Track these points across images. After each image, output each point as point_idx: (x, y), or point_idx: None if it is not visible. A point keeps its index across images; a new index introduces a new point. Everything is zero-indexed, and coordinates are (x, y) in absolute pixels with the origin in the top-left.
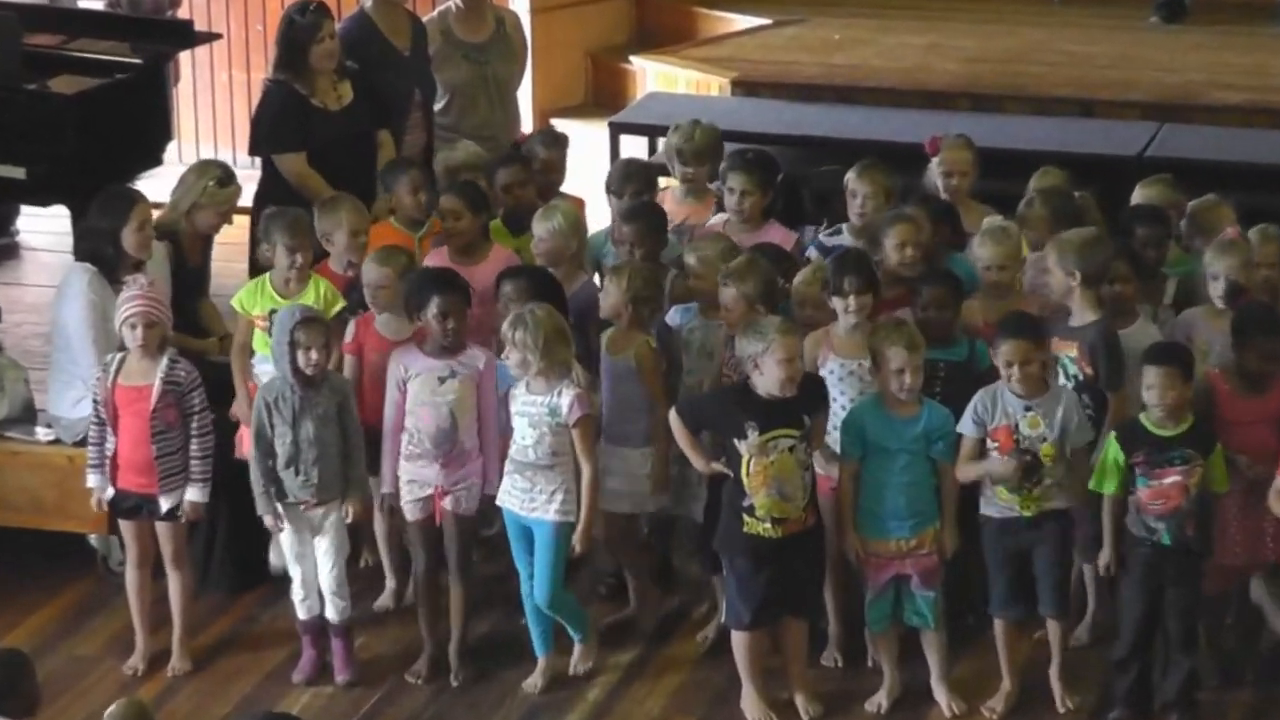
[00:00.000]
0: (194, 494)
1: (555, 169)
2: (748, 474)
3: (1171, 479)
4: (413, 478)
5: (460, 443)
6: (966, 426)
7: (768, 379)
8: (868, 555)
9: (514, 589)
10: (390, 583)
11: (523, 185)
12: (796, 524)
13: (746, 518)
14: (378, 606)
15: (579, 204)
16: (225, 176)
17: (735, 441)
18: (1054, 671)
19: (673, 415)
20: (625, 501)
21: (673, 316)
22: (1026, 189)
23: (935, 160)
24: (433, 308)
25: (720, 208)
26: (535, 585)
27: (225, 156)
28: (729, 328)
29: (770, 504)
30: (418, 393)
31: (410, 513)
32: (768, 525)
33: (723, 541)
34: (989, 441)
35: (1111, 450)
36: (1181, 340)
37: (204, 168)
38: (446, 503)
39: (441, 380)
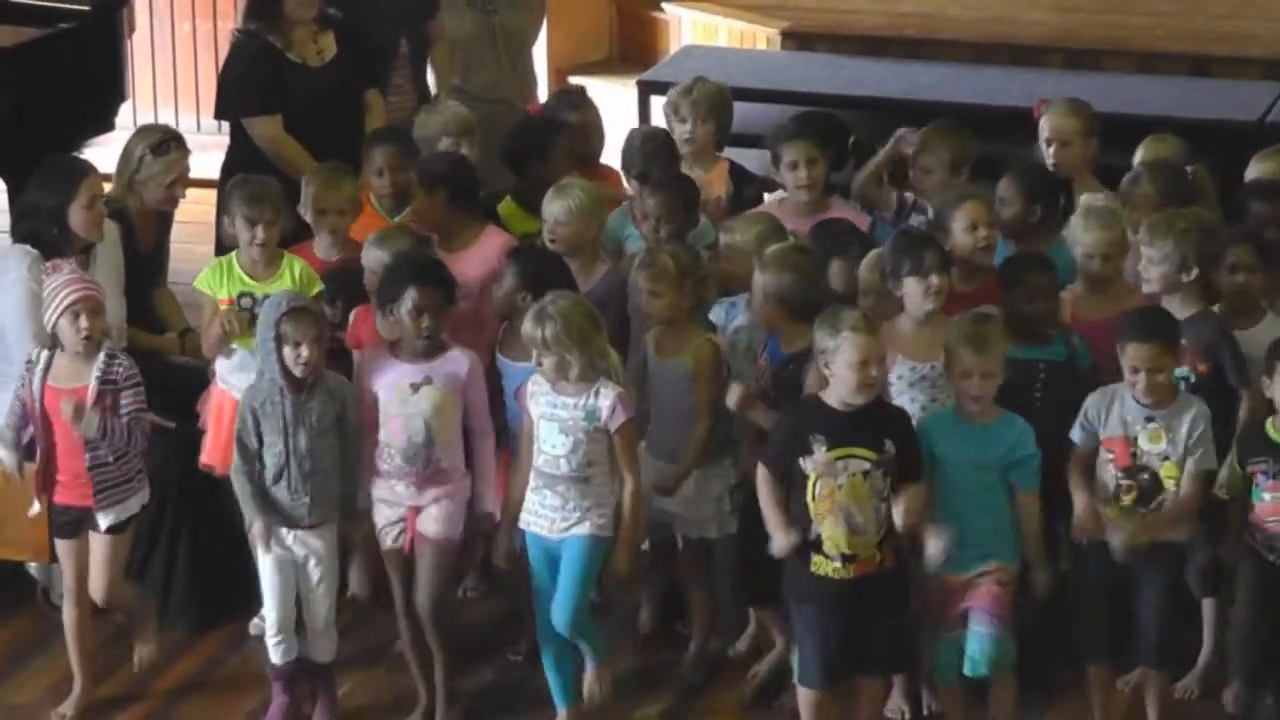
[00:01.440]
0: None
1: (594, 135)
2: (812, 498)
3: None
4: (385, 496)
5: (437, 460)
6: (1076, 434)
7: (838, 384)
8: (935, 590)
9: (522, 630)
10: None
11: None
12: (869, 564)
13: (814, 556)
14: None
15: (615, 177)
16: (163, 142)
17: (800, 460)
18: None
19: (761, 470)
20: (691, 526)
21: (716, 313)
22: (1132, 161)
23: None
24: (407, 302)
25: (734, 176)
26: (555, 606)
27: (188, 120)
28: (760, 325)
29: (837, 536)
30: (387, 402)
31: (383, 539)
32: (837, 564)
33: (790, 586)
34: (1103, 451)
35: (1235, 455)
36: None
37: (141, 133)
38: (420, 523)
39: (414, 388)
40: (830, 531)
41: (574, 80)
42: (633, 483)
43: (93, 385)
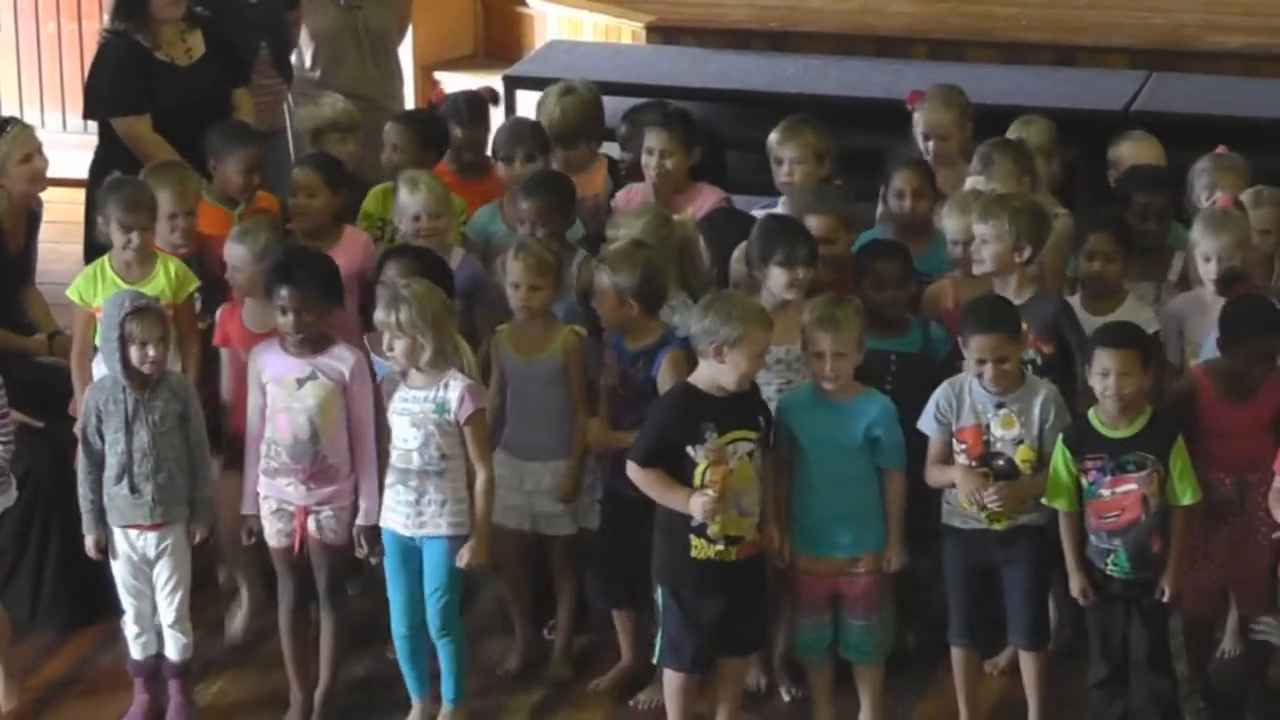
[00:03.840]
0: None
1: (477, 147)
2: (700, 485)
3: (1126, 488)
4: (271, 494)
5: (324, 457)
6: (929, 425)
7: (730, 370)
8: (799, 573)
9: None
10: (244, 605)
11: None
12: (751, 545)
13: (695, 540)
14: (230, 637)
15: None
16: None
17: (688, 448)
18: (1033, 715)
19: (632, 468)
20: (553, 522)
21: None
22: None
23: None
24: (278, 299)
25: (614, 172)
26: (429, 610)
27: (54, 120)
28: (606, 325)
29: (726, 520)
30: (275, 398)
31: (273, 538)
32: (721, 547)
33: (664, 571)
34: (955, 443)
35: (1060, 457)
36: (1173, 333)
37: None
38: (310, 526)
39: (300, 383)
40: (719, 516)
41: (439, 75)
42: (485, 475)
43: None
